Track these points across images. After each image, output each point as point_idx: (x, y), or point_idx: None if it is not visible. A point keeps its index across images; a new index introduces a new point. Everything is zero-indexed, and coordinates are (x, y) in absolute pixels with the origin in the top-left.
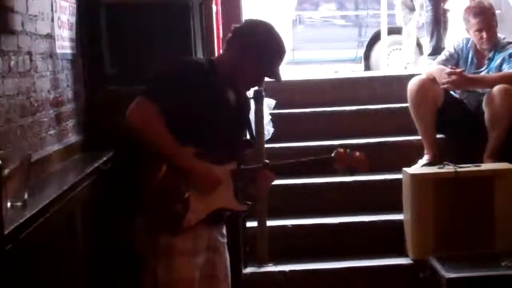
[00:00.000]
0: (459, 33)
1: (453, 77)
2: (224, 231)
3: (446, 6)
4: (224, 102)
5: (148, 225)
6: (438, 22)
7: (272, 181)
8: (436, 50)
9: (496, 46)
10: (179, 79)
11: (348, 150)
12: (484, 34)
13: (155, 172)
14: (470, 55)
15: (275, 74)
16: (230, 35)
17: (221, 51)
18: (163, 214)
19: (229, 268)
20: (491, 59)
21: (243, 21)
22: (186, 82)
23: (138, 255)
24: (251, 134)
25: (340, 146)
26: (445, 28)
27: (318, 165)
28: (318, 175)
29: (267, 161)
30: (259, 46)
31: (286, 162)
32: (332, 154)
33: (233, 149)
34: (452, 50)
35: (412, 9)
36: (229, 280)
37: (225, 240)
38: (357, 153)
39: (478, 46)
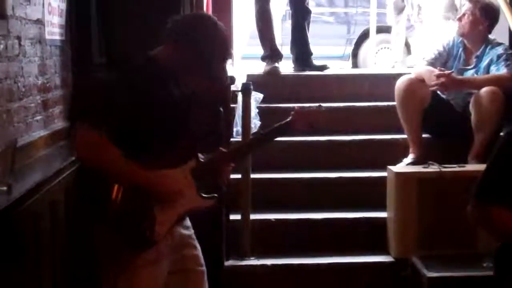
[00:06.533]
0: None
1: (442, 79)
2: (188, 223)
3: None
4: (169, 100)
5: (108, 236)
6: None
7: (231, 170)
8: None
9: (486, 45)
10: (116, 94)
11: (303, 108)
12: (462, 20)
13: (117, 189)
14: (459, 52)
15: (215, 76)
16: (168, 27)
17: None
18: (130, 234)
19: (201, 257)
20: (479, 58)
21: (184, 14)
22: (124, 94)
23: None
24: (223, 141)
25: (330, 141)
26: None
27: (278, 133)
28: (303, 171)
29: (223, 150)
30: (197, 45)
31: (245, 143)
32: (289, 118)
33: (189, 146)
34: (441, 49)
35: (402, 10)
36: (204, 268)
37: (191, 232)
38: (313, 109)
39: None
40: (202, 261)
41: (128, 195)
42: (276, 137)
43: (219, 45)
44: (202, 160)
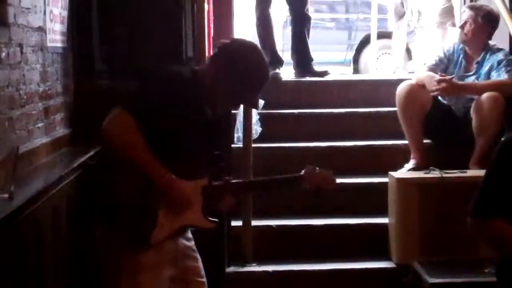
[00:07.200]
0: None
1: (443, 84)
2: (189, 234)
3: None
4: (201, 117)
5: (111, 236)
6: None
7: (231, 203)
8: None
9: (486, 51)
10: (158, 93)
11: (317, 168)
12: (464, 28)
13: (127, 183)
14: (459, 58)
15: (252, 101)
16: (215, 50)
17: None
18: (130, 229)
19: (202, 268)
20: (480, 64)
21: (231, 39)
22: (164, 96)
23: (98, 267)
24: (224, 147)
25: (331, 146)
26: None
27: (288, 183)
28: None
29: (234, 181)
30: (242, 71)
31: (256, 180)
32: (302, 173)
33: (206, 164)
34: (442, 55)
35: (402, 15)
36: (204, 279)
37: (192, 243)
38: (325, 172)
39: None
40: (203, 272)
41: (138, 190)
42: (282, 187)
43: (258, 76)
44: (213, 182)
